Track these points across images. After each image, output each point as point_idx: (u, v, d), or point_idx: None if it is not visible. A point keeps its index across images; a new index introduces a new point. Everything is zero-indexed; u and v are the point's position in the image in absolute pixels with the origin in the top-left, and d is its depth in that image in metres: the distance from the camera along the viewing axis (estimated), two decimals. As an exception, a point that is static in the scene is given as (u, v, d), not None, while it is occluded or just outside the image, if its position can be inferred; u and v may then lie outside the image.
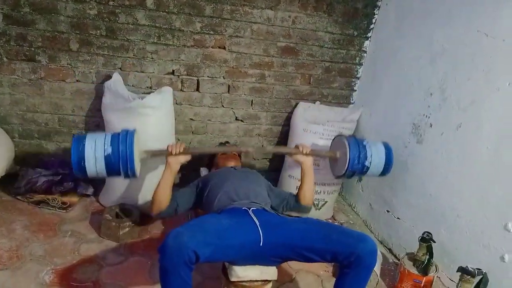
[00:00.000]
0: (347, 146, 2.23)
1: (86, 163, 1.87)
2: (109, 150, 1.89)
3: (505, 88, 1.86)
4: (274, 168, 3.18)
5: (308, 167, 2.24)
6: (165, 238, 1.48)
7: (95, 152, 1.87)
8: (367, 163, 2.23)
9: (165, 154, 2.09)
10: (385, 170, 2.30)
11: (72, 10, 2.46)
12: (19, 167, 2.67)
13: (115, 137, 1.93)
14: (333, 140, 2.47)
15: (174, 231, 1.51)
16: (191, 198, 2.19)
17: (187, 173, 2.98)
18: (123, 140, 1.92)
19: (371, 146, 2.27)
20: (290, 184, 2.88)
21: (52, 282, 1.96)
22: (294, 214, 2.25)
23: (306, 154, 2.23)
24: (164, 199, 2.04)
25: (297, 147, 2.27)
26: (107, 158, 1.89)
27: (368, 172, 2.28)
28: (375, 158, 2.25)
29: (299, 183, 2.28)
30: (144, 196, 2.52)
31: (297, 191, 2.28)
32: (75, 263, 2.11)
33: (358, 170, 2.25)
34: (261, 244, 1.69)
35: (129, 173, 1.95)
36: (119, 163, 1.90)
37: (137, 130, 2.07)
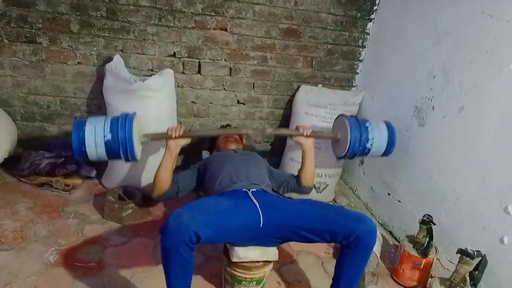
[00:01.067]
0: (348, 128, 2.21)
1: (87, 148, 1.90)
2: (108, 135, 1.90)
3: (509, 70, 1.84)
4: (276, 152, 3.19)
5: (309, 148, 2.24)
6: (166, 219, 1.50)
7: (95, 138, 1.89)
8: (368, 145, 2.23)
9: (165, 137, 2.09)
10: (387, 151, 2.30)
11: (72, -9, 2.44)
12: (22, 149, 2.68)
13: (114, 122, 1.94)
14: (335, 120, 2.45)
15: (175, 212, 1.52)
16: (192, 180, 2.20)
17: (189, 156, 2.99)
18: (122, 125, 1.93)
19: (374, 127, 2.25)
20: (292, 167, 2.88)
21: (56, 262, 1.99)
22: (294, 195, 2.26)
23: (307, 136, 2.22)
24: (165, 181, 2.06)
25: (297, 128, 2.25)
26: (107, 144, 1.91)
27: (369, 154, 2.28)
28: (377, 140, 2.24)
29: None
30: (146, 178, 2.54)
31: (298, 173, 2.29)
32: (79, 243, 2.14)
33: (359, 152, 2.24)
34: (261, 225, 1.71)
35: (129, 157, 1.97)
36: (119, 148, 1.92)
37: (137, 113, 2.07)
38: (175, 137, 2.06)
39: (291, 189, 2.27)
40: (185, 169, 2.24)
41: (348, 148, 2.21)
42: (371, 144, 2.23)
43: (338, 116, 2.42)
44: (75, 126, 1.92)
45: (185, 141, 2.10)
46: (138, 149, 2.03)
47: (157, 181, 2.06)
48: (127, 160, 1.99)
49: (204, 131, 2.42)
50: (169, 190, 2.08)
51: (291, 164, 2.90)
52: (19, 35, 2.49)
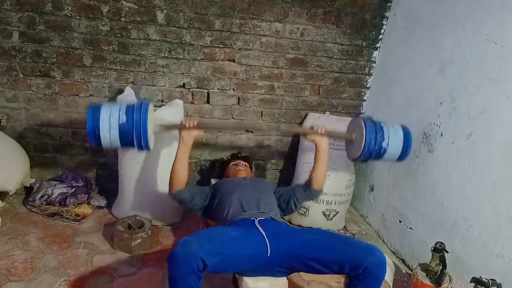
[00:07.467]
0: (364, 127, 2.15)
1: (100, 131, 1.87)
2: (123, 118, 1.89)
3: (515, 96, 1.85)
4: (285, 179, 3.18)
5: (323, 148, 2.22)
6: (174, 247, 1.51)
7: (109, 120, 1.87)
8: (384, 145, 2.14)
9: (178, 127, 2.09)
10: (403, 154, 2.20)
11: (85, 27, 2.54)
12: (34, 180, 2.72)
13: (130, 107, 1.94)
14: (350, 122, 2.41)
15: (182, 240, 1.53)
16: (206, 199, 2.21)
17: (198, 184, 2.99)
18: (137, 110, 1.92)
19: (389, 127, 2.19)
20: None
21: (66, 293, 1.98)
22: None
23: (322, 134, 2.21)
24: (182, 174, 2.06)
25: (312, 127, 2.25)
26: (121, 126, 1.88)
27: (385, 154, 2.18)
28: (393, 139, 2.16)
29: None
30: (156, 208, 2.55)
31: (309, 175, 2.26)
32: (88, 274, 2.13)
33: (375, 151, 2.15)
34: (268, 255, 1.70)
35: (142, 144, 1.94)
36: (133, 132, 1.90)
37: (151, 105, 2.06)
38: (189, 128, 2.06)
39: (300, 197, 2.22)
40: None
41: (364, 146, 2.13)
42: (387, 144, 2.14)
43: (352, 118, 2.37)
44: (90, 109, 1.89)
45: (198, 132, 2.11)
46: (151, 137, 2.01)
47: (174, 174, 2.06)
48: (139, 147, 1.95)
49: (216, 123, 2.39)
50: (186, 189, 2.06)
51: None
52: (34, 69, 2.58)
